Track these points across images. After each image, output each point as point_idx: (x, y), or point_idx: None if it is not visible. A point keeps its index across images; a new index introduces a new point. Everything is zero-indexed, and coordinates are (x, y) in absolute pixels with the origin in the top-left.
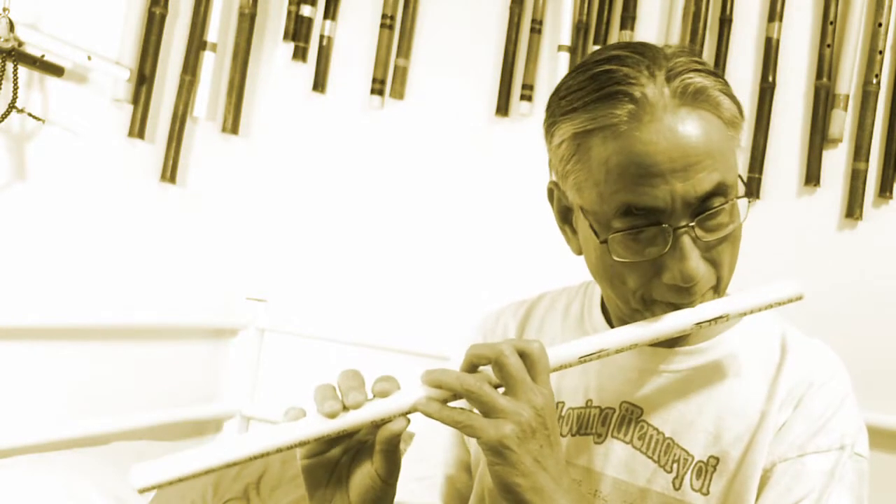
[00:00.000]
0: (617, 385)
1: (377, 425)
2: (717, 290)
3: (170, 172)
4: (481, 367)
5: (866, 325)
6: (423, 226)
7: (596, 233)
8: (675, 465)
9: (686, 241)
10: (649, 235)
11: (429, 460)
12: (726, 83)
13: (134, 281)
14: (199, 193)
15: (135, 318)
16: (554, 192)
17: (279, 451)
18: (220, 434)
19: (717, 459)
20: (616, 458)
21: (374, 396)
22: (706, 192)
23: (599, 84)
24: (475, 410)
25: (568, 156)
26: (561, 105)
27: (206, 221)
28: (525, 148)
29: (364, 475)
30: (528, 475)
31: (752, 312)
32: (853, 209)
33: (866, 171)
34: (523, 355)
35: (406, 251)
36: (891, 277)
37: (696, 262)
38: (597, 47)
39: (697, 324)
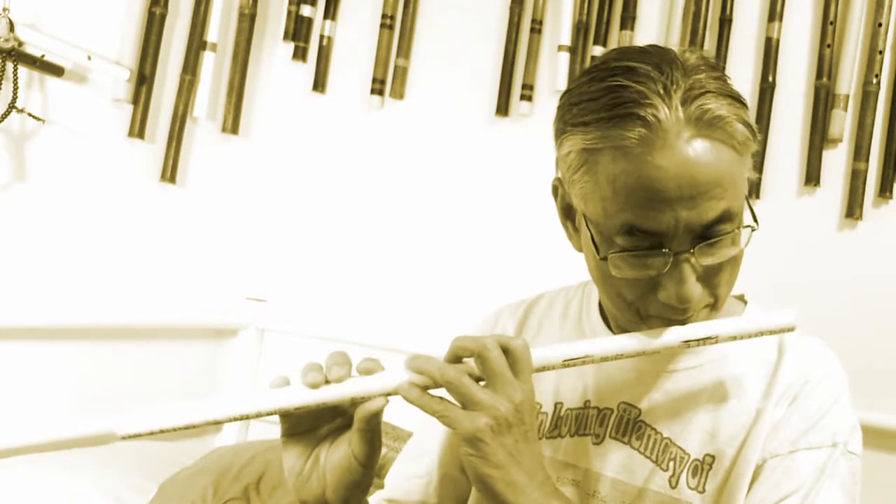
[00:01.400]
0: (615, 386)
1: (356, 403)
2: (714, 307)
3: (170, 172)
4: (466, 359)
5: (865, 324)
6: (424, 226)
7: (597, 247)
8: (671, 464)
9: (686, 266)
10: (649, 256)
11: (425, 458)
12: (743, 104)
13: (134, 281)
14: (199, 193)
15: (135, 318)
16: (558, 190)
17: (259, 415)
18: (220, 434)
19: (713, 457)
20: (614, 458)
21: (359, 373)
22: (711, 221)
23: (613, 100)
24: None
25: (576, 167)
26: (573, 113)
27: (206, 221)
28: (525, 148)
29: (341, 457)
30: (501, 468)
31: (741, 338)
32: (853, 209)
33: (866, 171)
34: (507, 351)
35: (406, 251)
36: (891, 277)
37: (692, 287)
38: (597, 47)
39: (686, 342)
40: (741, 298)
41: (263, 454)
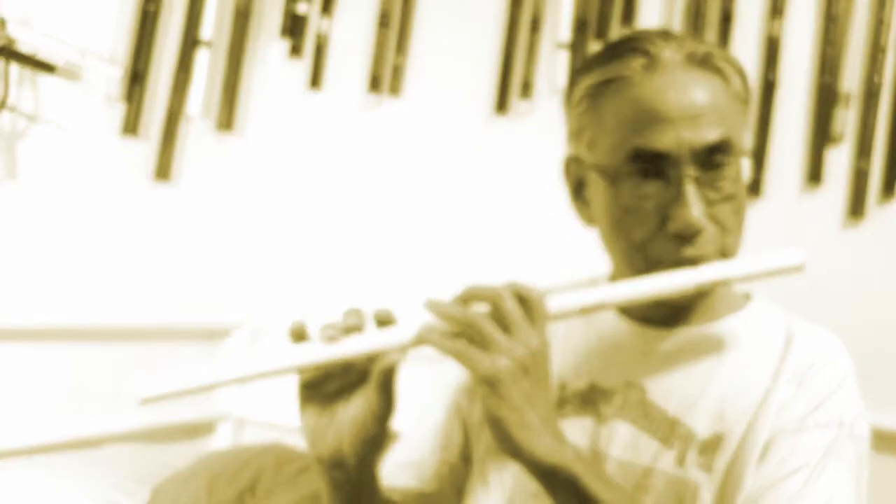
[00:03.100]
0: (619, 366)
1: (374, 359)
2: (724, 256)
3: (164, 171)
4: (475, 308)
5: (869, 323)
6: (421, 224)
7: (604, 177)
8: (678, 443)
9: (689, 188)
10: (655, 182)
11: (422, 445)
12: (739, 65)
13: (127, 281)
14: (193, 192)
15: (128, 318)
16: (570, 166)
17: (278, 373)
18: (213, 435)
19: (721, 436)
20: (619, 438)
21: (375, 324)
22: (712, 143)
23: (616, 46)
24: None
25: (584, 111)
26: (581, 69)
27: (201, 220)
28: (524, 146)
29: (358, 412)
30: (517, 410)
31: (753, 278)
32: (856, 207)
33: (869, 169)
34: (523, 300)
35: (403, 250)
36: (894, 275)
37: (698, 211)
38: (596, 45)
39: (698, 284)
40: (747, 296)
41: (257, 458)
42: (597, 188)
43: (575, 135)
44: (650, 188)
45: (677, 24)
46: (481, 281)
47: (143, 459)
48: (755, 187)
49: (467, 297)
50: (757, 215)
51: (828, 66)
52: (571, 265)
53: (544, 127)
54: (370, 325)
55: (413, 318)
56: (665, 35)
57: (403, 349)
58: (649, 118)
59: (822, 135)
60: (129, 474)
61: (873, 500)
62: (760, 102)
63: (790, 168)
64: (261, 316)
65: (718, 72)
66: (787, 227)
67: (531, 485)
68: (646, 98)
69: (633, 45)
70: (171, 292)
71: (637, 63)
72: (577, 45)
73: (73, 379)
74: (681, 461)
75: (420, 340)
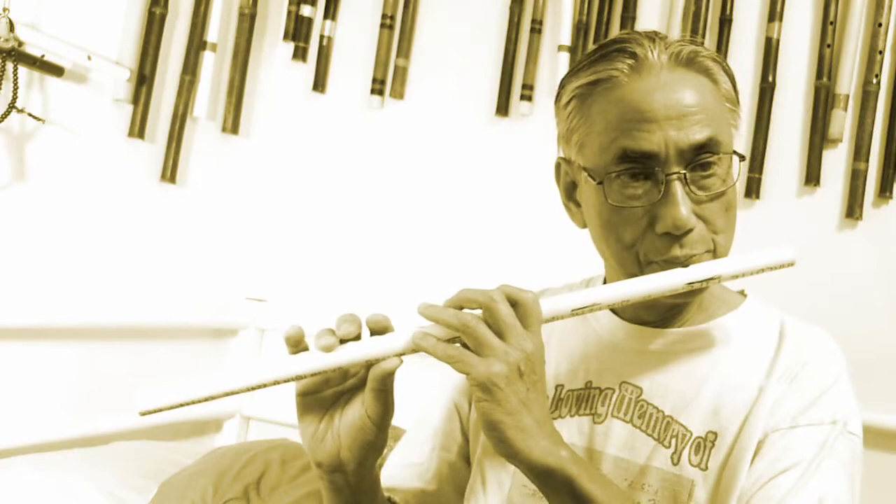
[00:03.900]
0: (616, 366)
1: (371, 364)
2: (715, 256)
3: (170, 172)
4: (468, 311)
5: (866, 325)
6: (424, 226)
7: (594, 178)
8: (673, 441)
9: (677, 187)
10: (643, 183)
11: (424, 446)
12: (727, 65)
13: (134, 281)
14: (199, 193)
15: (135, 317)
16: (560, 167)
17: (276, 383)
18: (220, 434)
19: (716, 434)
20: (616, 436)
21: (370, 331)
22: (699, 143)
23: (603, 48)
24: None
25: (572, 112)
26: (569, 72)
27: (206, 221)
28: (525, 148)
29: (355, 417)
30: (512, 414)
31: (743, 275)
32: (853, 209)
33: (866, 171)
34: (516, 304)
35: (406, 251)
36: (891, 277)
37: (686, 210)
38: None
39: (689, 283)
40: (742, 293)
41: (264, 454)
42: (587, 190)
43: (565, 137)
44: (639, 189)
45: (676, 26)
46: (476, 284)
47: (150, 456)
48: (754, 189)
49: (460, 301)
50: (755, 217)
51: (825, 69)
52: (572, 267)
53: (545, 129)
54: (365, 332)
55: (408, 324)
56: (652, 36)
57: (399, 355)
58: (636, 119)
59: (819, 137)
60: (136, 470)
61: (867, 496)
62: (759, 105)
63: (788, 170)
64: (266, 316)
65: (705, 71)
66: (784, 229)
67: (529, 485)
68: (632, 99)
69: (619, 47)
70: (178, 292)
71: (624, 64)
72: (577, 48)
73: (81, 377)
74: (676, 459)
75: (415, 347)
